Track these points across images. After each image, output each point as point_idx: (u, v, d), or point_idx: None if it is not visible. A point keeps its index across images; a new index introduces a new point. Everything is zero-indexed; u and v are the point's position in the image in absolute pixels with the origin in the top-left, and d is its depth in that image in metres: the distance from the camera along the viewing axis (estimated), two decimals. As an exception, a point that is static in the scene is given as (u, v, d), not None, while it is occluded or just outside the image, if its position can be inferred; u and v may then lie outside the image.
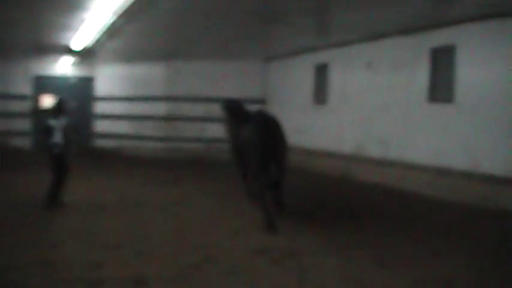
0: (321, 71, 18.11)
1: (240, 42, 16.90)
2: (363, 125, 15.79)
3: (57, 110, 11.01)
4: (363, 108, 15.82)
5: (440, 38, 13.33)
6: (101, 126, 22.78)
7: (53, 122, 10.77)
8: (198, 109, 21.43)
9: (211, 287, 6.29)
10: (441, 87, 13.40)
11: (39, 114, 21.49)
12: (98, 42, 15.82)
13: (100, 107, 22.81)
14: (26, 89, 22.61)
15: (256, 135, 9.89)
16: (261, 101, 21.57)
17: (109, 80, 22.99)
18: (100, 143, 22.66)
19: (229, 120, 12.38)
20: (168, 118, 21.60)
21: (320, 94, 18.21)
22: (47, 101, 22.10)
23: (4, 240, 8.18)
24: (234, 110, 12.24)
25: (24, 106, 22.35)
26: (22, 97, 22.26)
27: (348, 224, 9.89)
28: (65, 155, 10.86)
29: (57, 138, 10.68)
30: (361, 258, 7.70)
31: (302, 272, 6.92)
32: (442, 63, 13.37)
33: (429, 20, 12.69)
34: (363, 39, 15.55)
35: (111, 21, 12.64)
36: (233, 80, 21.37)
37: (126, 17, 12.28)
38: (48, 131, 10.69)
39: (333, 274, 6.91)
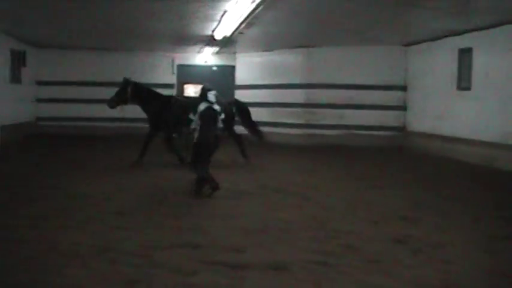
0: (465, 56, 17.41)
1: (380, 27, 16.60)
2: (510, 111, 15.02)
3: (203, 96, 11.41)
4: (510, 94, 15.06)
5: None
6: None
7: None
8: (336, 96, 21.32)
9: (352, 275, 6.24)
10: None
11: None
12: (238, 31, 16.14)
13: (240, 95, 23.25)
14: (170, 78, 23.56)
15: None
16: (402, 88, 21.15)
17: (249, 68, 23.42)
18: (238, 129, 23.12)
19: None
20: (307, 105, 21.66)
21: (463, 79, 17.54)
22: (191, 89, 22.90)
23: (150, 222, 8.55)
24: None
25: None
26: (167, 86, 23.16)
27: (493, 216, 9.47)
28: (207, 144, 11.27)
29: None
30: (507, 251, 7.36)
31: (446, 265, 6.70)
32: None
33: None
34: (510, 21, 14.77)
35: (251, 10, 12.84)
36: (372, 66, 21.07)
37: (266, 5, 12.43)
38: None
39: (479, 268, 6.62)
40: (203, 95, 11.20)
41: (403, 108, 21.20)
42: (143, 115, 15.11)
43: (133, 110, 16.03)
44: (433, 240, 7.74)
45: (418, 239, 7.81)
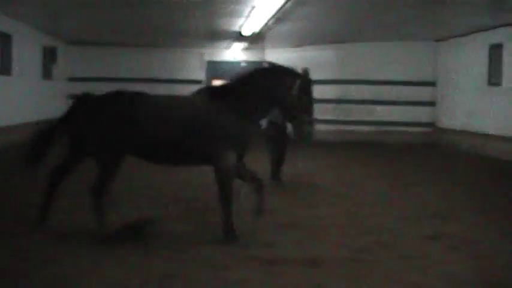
0: (495, 52, 17.24)
1: (410, 23, 16.52)
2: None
3: None
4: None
5: None
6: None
7: None
8: (367, 91, 21.25)
9: (383, 271, 6.24)
10: None
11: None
12: (268, 27, 16.16)
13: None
14: (200, 74, 23.67)
15: None
16: (432, 83, 21.02)
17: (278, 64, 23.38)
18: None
19: None
20: (338, 101, 21.61)
21: (494, 75, 17.37)
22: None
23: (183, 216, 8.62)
24: None
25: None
26: (197, 82, 23.27)
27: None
28: (281, 134, 11.53)
29: (273, 118, 11.00)
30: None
31: (481, 260, 6.67)
32: None
33: None
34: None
35: (281, 5, 12.86)
36: (403, 62, 20.96)
37: (296, 1, 12.44)
38: None
39: (510, 265, 6.60)
40: None
41: (433, 104, 21.07)
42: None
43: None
44: (467, 237, 7.70)
45: (452, 235, 7.77)
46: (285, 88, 7.22)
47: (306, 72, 11.31)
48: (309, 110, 7.38)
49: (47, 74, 21.30)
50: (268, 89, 7.27)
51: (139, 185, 11.05)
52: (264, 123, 11.18)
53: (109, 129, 7.02)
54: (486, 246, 7.32)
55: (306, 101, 7.32)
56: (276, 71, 7.59)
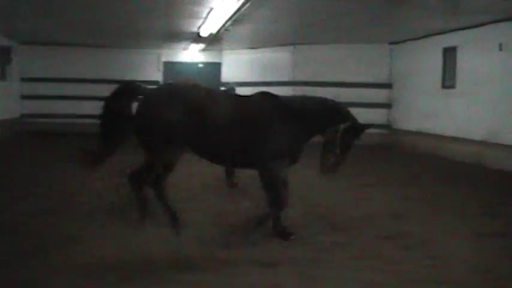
0: (450, 54, 17.56)
1: (366, 26, 16.67)
2: (496, 110, 15.15)
3: None
4: (495, 92, 15.19)
5: None
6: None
7: None
8: (323, 93, 21.34)
9: (340, 271, 6.28)
10: None
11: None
12: (225, 29, 16.14)
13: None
14: (157, 75, 23.54)
15: None
16: (387, 86, 21.26)
17: (235, 65, 23.43)
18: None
19: None
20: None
21: (449, 78, 17.68)
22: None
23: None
24: None
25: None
26: (153, 83, 23.13)
27: (481, 212, 9.57)
28: None
29: None
30: (494, 247, 7.43)
31: (432, 259, 6.78)
32: None
33: None
34: (495, 20, 14.90)
35: (238, 7, 12.85)
36: (359, 64, 21.16)
37: (252, 3, 12.45)
38: None
39: (463, 262, 6.72)
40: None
41: (389, 106, 21.32)
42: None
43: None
44: (422, 237, 7.80)
45: (407, 235, 7.88)
46: (334, 131, 7.37)
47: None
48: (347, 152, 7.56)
49: (1, 74, 20.93)
50: (320, 127, 7.52)
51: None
52: None
53: (181, 121, 6.95)
54: (440, 246, 7.43)
55: (349, 144, 7.53)
56: (334, 113, 7.64)
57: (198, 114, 6.99)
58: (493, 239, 7.81)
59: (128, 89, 7.41)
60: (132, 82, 7.33)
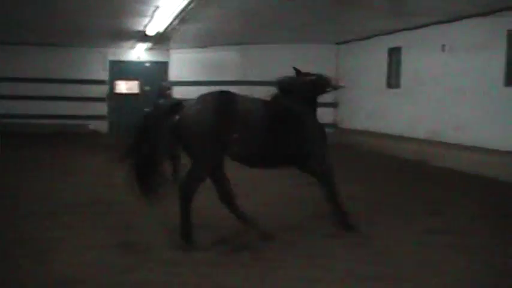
0: (394, 55, 17.86)
1: (314, 26, 16.80)
2: (438, 109, 15.49)
3: (161, 95, 11.51)
4: (438, 92, 15.52)
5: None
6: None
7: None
8: (270, 93, 21.44)
9: (287, 270, 6.30)
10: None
11: (116, 98, 22.20)
12: (172, 28, 16.03)
13: (174, 91, 23.13)
14: (102, 74, 23.24)
15: None
16: (334, 85, 21.45)
17: (182, 64, 23.32)
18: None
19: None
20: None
21: (393, 78, 17.98)
22: (123, 85, 22.71)
23: (85, 222, 8.43)
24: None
25: (101, 91, 23.00)
26: (99, 82, 22.89)
27: (423, 209, 9.76)
28: None
29: None
30: (436, 243, 7.58)
31: (375, 256, 6.89)
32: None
33: (506, 0, 12.29)
34: (438, 22, 15.22)
35: (184, 6, 12.78)
36: (306, 64, 21.10)
37: (199, 2, 12.40)
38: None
39: (406, 258, 6.85)
40: (160, 93, 11.42)
41: (336, 105, 21.52)
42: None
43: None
44: (367, 234, 7.90)
45: (351, 233, 7.93)
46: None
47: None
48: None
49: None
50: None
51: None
52: None
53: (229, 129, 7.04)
54: (385, 243, 7.55)
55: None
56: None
57: (247, 122, 7.16)
58: (436, 236, 7.96)
59: (171, 109, 7.30)
60: (178, 103, 7.29)
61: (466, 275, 6.32)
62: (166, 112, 7.27)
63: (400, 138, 17.06)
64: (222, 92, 7.38)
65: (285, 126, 7.57)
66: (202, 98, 7.22)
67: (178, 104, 7.25)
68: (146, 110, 11.27)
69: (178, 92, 22.89)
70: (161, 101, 11.29)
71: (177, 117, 7.08)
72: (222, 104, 7.12)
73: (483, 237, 8.02)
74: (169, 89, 11.70)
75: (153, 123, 7.18)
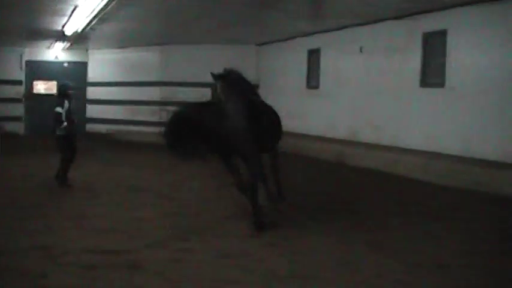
0: (314, 56, 18.13)
1: (234, 27, 16.86)
2: (356, 110, 15.85)
3: (63, 94, 11.21)
4: (356, 93, 15.88)
5: (432, 22, 13.38)
6: (93, 111, 22.85)
7: (59, 106, 11.07)
8: (193, 94, 21.37)
9: (204, 271, 6.31)
10: (433, 72, 13.45)
11: (33, 98, 21.64)
12: (91, 27, 15.76)
13: (92, 92, 22.86)
14: (19, 74, 22.61)
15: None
16: (255, 86, 21.57)
17: (102, 65, 22.97)
18: (92, 127, 22.72)
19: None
20: (163, 103, 21.55)
21: (313, 79, 18.25)
22: (40, 86, 22.17)
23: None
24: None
25: (18, 91, 22.38)
26: (15, 82, 22.28)
27: (341, 208, 9.97)
28: (72, 136, 11.29)
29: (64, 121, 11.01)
30: (354, 241, 7.74)
31: (294, 255, 6.97)
32: (434, 47, 13.42)
33: (421, 4, 12.68)
34: (355, 24, 15.56)
35: (103, 6, 12.59)
36: (226, 64, 21.13)
37: (118, 1, 12.24)
38: (57, 115, 11.00)
39: (325, 257, 6.96)
40: (64, 92, 11.15)
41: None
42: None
43: None
44: (283, 234, 7.99)
45: (271, 232, 8.03)
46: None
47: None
48: None
49: None
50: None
51: None
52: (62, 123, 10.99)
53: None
54: (303, 241, 7.66)
55: None
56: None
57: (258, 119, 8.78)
58: (353, 234, 8.14)
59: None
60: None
61: (383, 270, 6.48)
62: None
63: (320, 139, 17.30)
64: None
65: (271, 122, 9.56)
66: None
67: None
68: (58, 110, 10.97)
69: (98, 93, 22.74)
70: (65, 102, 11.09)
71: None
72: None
73: (398, 233, 8.26)
74: (69, 89, 11.39)
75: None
